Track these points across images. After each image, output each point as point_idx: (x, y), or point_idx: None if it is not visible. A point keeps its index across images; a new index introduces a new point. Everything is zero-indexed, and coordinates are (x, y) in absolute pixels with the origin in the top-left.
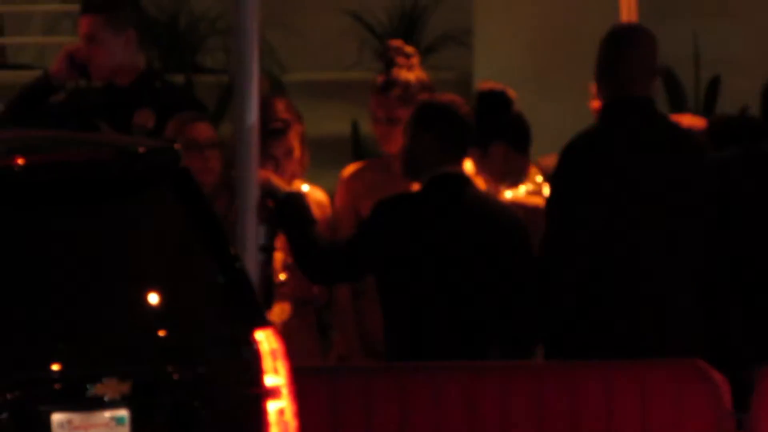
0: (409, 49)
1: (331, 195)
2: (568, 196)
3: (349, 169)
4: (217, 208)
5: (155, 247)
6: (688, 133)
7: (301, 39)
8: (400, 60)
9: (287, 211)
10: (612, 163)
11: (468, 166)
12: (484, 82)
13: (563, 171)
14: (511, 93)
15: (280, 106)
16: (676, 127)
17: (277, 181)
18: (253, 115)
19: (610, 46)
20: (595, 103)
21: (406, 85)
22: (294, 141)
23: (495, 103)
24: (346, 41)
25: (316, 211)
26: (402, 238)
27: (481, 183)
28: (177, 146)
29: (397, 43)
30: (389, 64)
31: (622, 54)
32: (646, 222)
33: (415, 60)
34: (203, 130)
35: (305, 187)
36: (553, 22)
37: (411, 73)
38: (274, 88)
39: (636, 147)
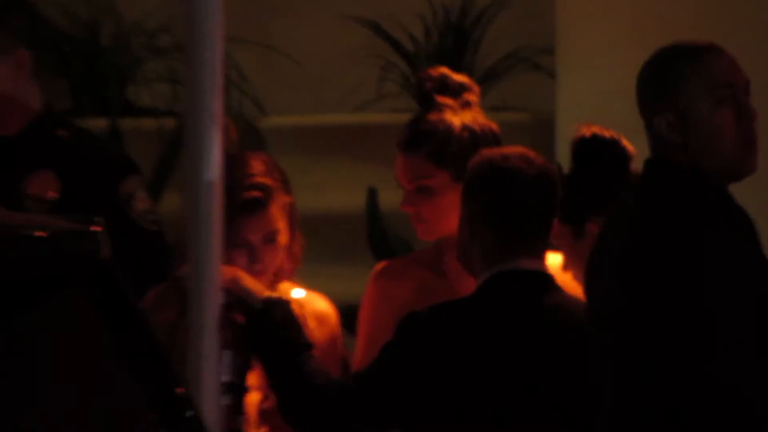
0: (458, 78)
1: (341, 304)
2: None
3: (385, 266)
4: (159, 323)
5: (57, 384)
6: None
7: (290, 64)
8: (443, 99)
9: (267, 331)
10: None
11: (553, 259)
12: (579, 125)
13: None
14: (627, 144)
15: (257, 166)
16: None
17: (252, 283)
18: (212, 179)
19: None
20: None
21: (446, 137)
22: (278, 219)
23: (599, 159)
24: (359, 66)
25: (314, 331)
26: (445, 369)
27: (571, 283)
28: (97, 227)
29: (437, 71)
30: (426, 102)
31: None
32: None
33: (472, 96)
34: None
35: (298, 292)
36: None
37: (459, 116)
38: (247, 137)
39: None
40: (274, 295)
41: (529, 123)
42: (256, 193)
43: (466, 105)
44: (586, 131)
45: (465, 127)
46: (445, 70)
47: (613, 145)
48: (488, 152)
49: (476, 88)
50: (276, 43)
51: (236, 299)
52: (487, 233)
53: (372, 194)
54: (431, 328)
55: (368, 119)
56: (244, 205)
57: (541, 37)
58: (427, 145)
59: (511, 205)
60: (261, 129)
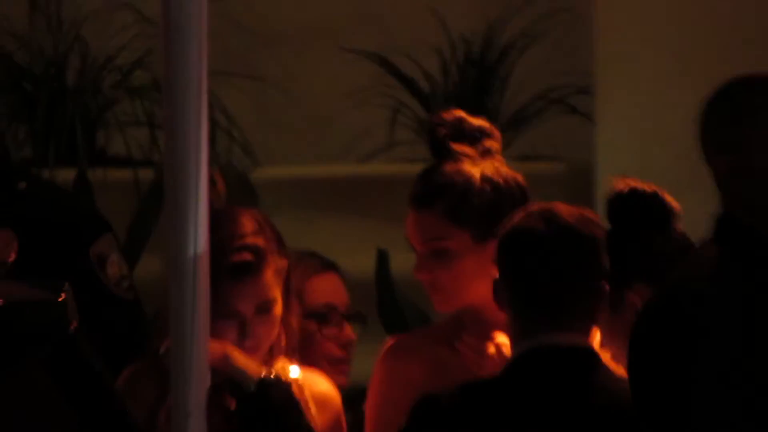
0: (476, 122)
1: (346, 385)
2: None
3: (396, 342)
4: (135, 408)
5: None
6: None
7: (286, 105)
8: (460, 146)
9: (263, 417)
10: None
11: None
12: (614, 178)
13: None
14: (670, 199)
15: (248, 224)
16: None
17: (244, 361)
18: (198, 240)
19: None
20: None
21: (465, 191)
22: (273, 286)
23: (638, 217)
24: (366, 108)
25: (316, 416)
26: None
27: (608, 364)
28: (64, 296)
29: (452, 114)
30: (439, 151)
31: None
32: None
33: (493, 143)
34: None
35: (295, 371)
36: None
37: (479, 167)
38: (237, 191)
39: None
40: (271, 374)
41: (564, 174)
42: (246, 256)
43: (487, 153)
44: (623, 185)
45: (486, 179)
46: (460, 113)
47: (654, 201)
48: (525, 209)
49: (497, 134)
50: (270, 80)
51: (226, 380)
52: (510, 304)
53: (382, 257)
54: (451, 413)
55: (377, 170)
56: (233, 270)
57: (577, 75)
58: (443, 200)
59: (525, 272)
60: (253, 181)
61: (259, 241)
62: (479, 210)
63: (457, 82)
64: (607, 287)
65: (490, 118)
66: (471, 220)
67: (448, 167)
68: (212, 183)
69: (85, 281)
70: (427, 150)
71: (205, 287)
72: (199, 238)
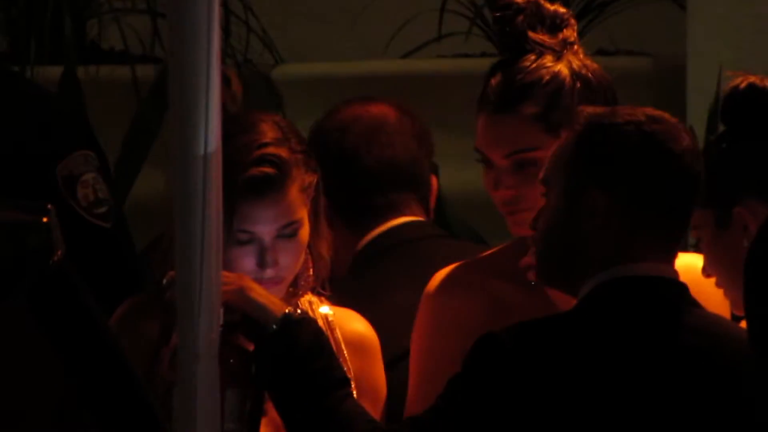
0: (554, 8)
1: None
2: None
3: (446, 278)
4: (133, 349)
5: None
6: None
7: None
8: (540, 36)
9: (286, 361)
10: None
11: (685, 259)
12: (727, 73)
13: None
14: None
15: (270, 131)
16: None
17: (263, 296)
18: (208, 150)
19: None
20: None
21: (558, 90)
22: (298, 205)
23: (759, 119)
24: None
25: (350, 361)
26: (539, 410)
27: (712, 293)
28: (47, 218)
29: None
30: (517, 43)
31: None
32: None
33: (571, 32)
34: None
35: (326, 310)
36: None
37: (565, 61)
38: (257, 92)
39: None
40: (296, 311)
41: (649, 71)
42: (267, 169)
43: (567, 45)
44: (741, 81)
45: (577, 76)
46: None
47: None
48: (593, 110)
49: (574, 21)
50: None
51: (242, 318)
52: (606, 224)
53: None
54: (516, 355)
55: (423, 67)
56: (250, 186)
57: None
58: (531, 103)
59: (634, 185)
60: (276, 81)
61: (283, 152)
62: (573, 111)
63: None
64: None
65: (560, 5)
66: (564, 125)
67: (530, 62)
68: (226, 82)
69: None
70: (483, 43)
71: (217, 207)
72: (210, 148)
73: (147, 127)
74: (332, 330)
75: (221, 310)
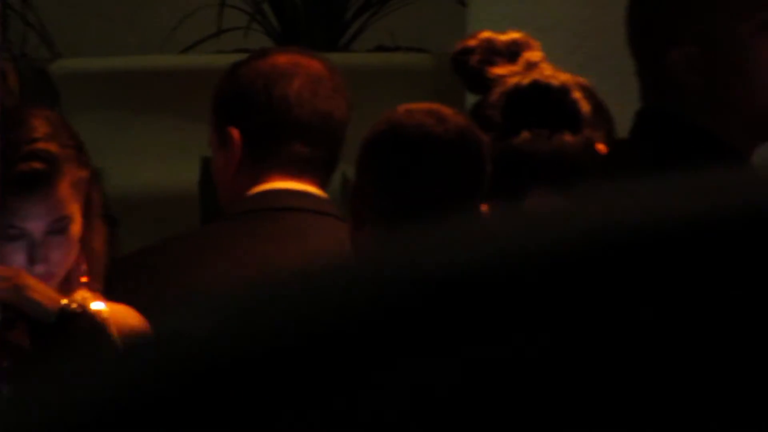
0: (506, 38)
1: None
2: None
3: None
4: None
5: None
6: None
7: None
8: (499, 69)
9: (64, 353)
10: None
11: None
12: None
13: None
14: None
15: (40, 126)
16: None
17: (40, 291)
18: None
19: None
20: None
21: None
22: (69, 201)
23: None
24: None
25: None
26: None
27: None
28: None
29: (476, 37)
30: (477, 84)
31: None
32: None
33: (533, 54)
34: None
35: (99, 305)
36: None
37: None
38: (33, 86)
39: None
40: (73, 304)
41: (429, 68)
42: (36, 165)
43: (532, 66)
44: (523, 78)
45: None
46: (486, 34)
47: (564, 98)
48: (389, 111)
49: (536, 43)
50: None
51: (17, 314)
52: (377, 220)
53: (207, 166)
54: None
55: (202, 62)
56: (19, 182)
57: None
58: None
59: (415, 179)
60: (53, 75)
61: (52, 147)
62: None
63: None
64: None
65: (339, 1)
66: None
67: (497, 97)
68: (1, 76)
69: None
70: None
71: None
72: None
73: None
74: (106, 326)
75: None
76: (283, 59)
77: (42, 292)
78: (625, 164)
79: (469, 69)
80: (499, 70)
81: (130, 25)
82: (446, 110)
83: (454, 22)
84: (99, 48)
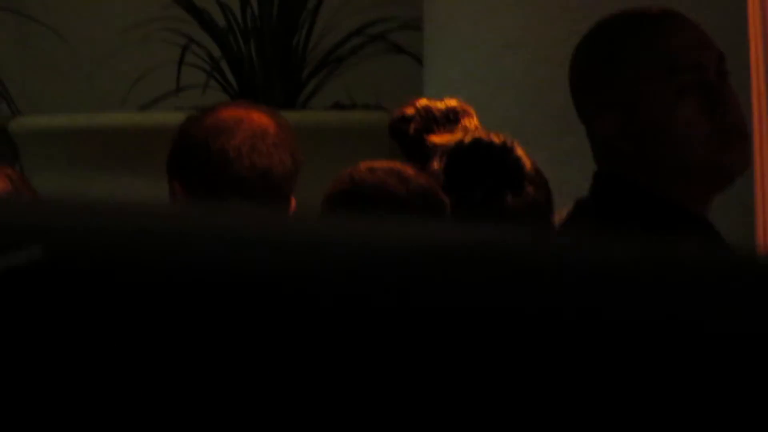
0: (442, 106)
1: None
2: None
3: None
4: None
5: None
6: None
7: (55, 42)
8: (438, 138)
9: None
10: None
11: None
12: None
13: None
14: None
15: (2, 183)
16: None
17: None
18: None
19: None
20: None
21: None
22: None
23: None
24: (149, 46)
25: None
26: None
27: None
28: None
29: (412, 105)
30: (415, 152)
31: None
32: None
33: (470, 120)
34: None
35: None
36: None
37: None
38: None
39: None
40: None
41: (386, 126)
42: None
43: (469, 133)
44: (465, 135)
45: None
46: (423, 102)
47: (506, 156)
48: (350, 168)
49: (471, 110)
50: (34, 13)
51: None
52: None
53: None
54: None
55: (162, 119)
56: None
57: (401, 6)
58: None
59: None
60: (12, 133)
61: None
62: None
63: (258, 16)
64: None
65: (296, 59)
66: None
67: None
68: None
69: None
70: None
71: None
72: None
73: None
74: None
75: None
76: (227, 114)
77: None
78: (580, 223)
79: (408, 137)
80: (436, 139)
81: (89, 83)
82: (409, 170)
83: (411, 80)
84: (59, 105)
